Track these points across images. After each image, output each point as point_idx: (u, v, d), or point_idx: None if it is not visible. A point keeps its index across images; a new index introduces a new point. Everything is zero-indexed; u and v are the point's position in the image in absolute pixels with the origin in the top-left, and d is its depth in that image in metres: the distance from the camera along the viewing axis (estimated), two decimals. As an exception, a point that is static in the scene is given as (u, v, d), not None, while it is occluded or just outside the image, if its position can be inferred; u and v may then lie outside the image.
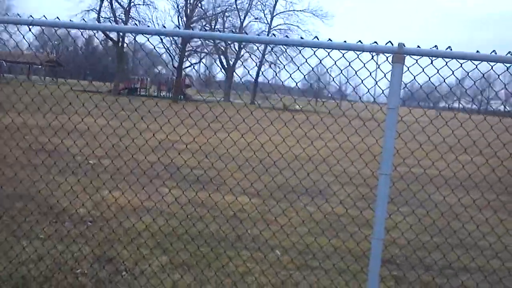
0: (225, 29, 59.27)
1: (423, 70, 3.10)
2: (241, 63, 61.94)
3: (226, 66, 61.44)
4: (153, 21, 51.97)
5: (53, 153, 6.81)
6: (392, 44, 3.01)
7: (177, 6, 53.95)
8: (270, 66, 53.92)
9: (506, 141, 4.55)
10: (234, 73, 56.48)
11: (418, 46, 3.03)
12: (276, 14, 63.86)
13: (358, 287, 4.49)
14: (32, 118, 5.79)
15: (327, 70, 4.08)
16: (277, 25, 63.18)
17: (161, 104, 5.65)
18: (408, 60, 3.01)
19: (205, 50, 55.66)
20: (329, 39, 3.16)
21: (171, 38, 46.31)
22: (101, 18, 51.94)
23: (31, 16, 3.53)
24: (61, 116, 5.00)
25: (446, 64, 3.03)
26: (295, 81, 3.89)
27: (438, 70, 3.06)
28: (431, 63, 3.05)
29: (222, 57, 62.07)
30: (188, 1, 53.31)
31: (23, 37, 4.13)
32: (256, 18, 64.66)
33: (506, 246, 5.31)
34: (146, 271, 4.54)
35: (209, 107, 5.68)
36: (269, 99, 7.08)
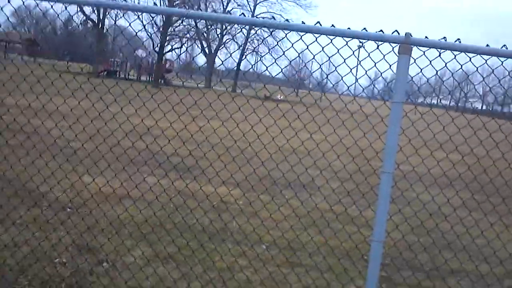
0: (208, 15, 58.23)
1: (430, 63, 2.84)
2: (223, 48, 61.30)
3: (207, 52, 60.74)
4: (134, 2, 50.98)
5: (33, 135, 6.42)
6: (399, 33, 2.75)
7: (160, -11, 52.98)
8: (252, 52, 53.47)
9: None
10: (215, 59, 55.88)
11: (426, 37, 2.77)
12: (260, 2, 63.35)
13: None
14: (11, 98, 5.39)
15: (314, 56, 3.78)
16: (260, 13, 62.60)
17: (143, 89, 5.31)
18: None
19: (187, 36, 54.95)
20: (317, 23, 2.88)
21: (152, 21, 45.52)
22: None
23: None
24: (41, 97, 4.65)
25: (455, 58, 2.79)
26: (280, 67, 3.62)
27: (446, 64, 2.82)
28: (439, 55, 2.80)
29: (203, 42, 61.36)
30: (171, -16, 52.40)
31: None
32: (239, 5, 63.94)
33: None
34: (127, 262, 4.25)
35: (189, 92, 5.35)
36: (252, 87, 6.77)
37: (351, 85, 3.75)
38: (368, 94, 4.27)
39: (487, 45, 2.74)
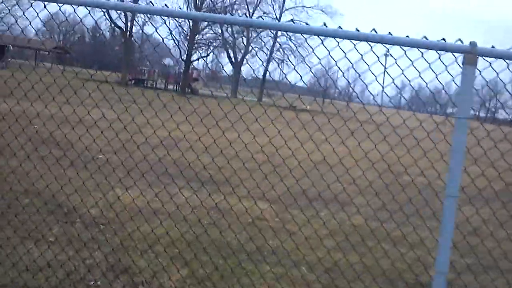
0: (234, 23, 58.49)
1: (497, 75, 2.60)
2: (248, 58, 61.28)
3: (233, 61, 60.77)
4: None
5: (62, 145, 6.33)
6: (462, 42, 2.52)
7: (187, -3, 53.28)
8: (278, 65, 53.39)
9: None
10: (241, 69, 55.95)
11: (493, 46, 2.53)
12: (286, 10, 63.11)
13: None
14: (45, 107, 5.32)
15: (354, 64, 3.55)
16: (286, 21, 62.11)
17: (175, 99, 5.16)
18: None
19: (214, 44, 55.16)
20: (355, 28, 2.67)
21: (180, 29, 45.78)
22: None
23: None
24: (70, 106, 4.55)
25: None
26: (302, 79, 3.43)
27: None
28: (507, 67, 2.56)
29: (230, 51, 61.43)
30: (197, -7, 52.69)
31: (30, 23, 3.81)
32: (264, 13, 63.68)
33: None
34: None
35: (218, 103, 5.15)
36: (276, 97, 6.57)
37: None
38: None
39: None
